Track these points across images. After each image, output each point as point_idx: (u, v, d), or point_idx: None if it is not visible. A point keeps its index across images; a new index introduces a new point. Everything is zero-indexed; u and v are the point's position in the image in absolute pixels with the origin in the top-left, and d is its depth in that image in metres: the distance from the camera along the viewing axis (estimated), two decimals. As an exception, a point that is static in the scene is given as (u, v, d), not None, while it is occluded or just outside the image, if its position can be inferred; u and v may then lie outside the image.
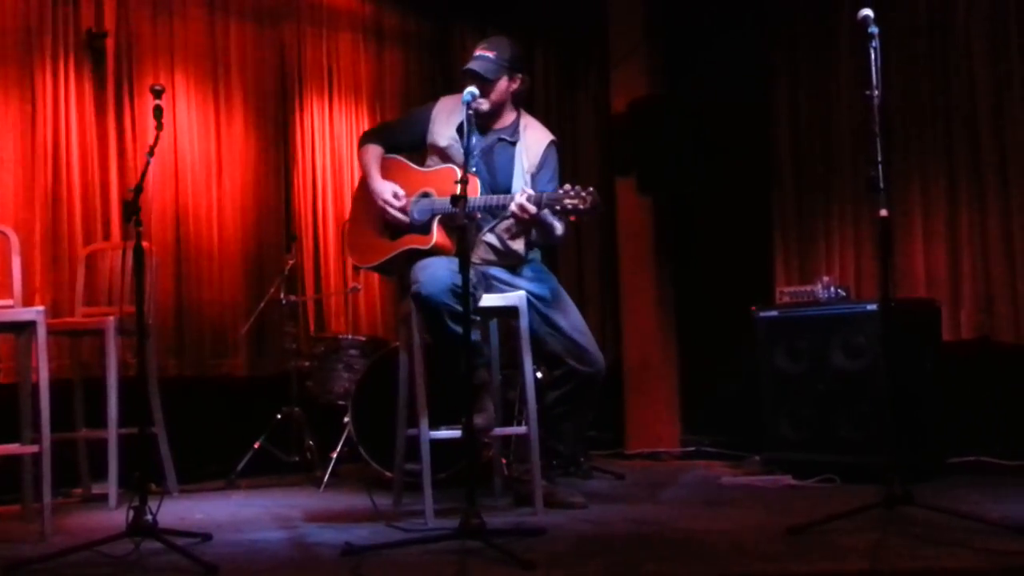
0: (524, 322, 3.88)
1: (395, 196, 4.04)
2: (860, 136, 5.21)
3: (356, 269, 5.43)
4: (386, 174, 4.16)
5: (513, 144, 4.12)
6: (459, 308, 3.63)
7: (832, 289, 4.80)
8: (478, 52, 4.11)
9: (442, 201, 3.92)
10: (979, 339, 4.84)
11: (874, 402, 4.38)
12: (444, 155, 4.09)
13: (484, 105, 4.02)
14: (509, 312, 3.93)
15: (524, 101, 4.25)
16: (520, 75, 4.15)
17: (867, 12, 3.34)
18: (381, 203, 4.05)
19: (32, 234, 4.89)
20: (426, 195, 4.04)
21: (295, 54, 5.90)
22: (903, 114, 5.10)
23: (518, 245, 4.06)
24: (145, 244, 3.40)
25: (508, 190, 3.99)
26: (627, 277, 6.30)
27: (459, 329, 3.65)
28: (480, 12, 6.46)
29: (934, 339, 4.71)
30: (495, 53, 4.08)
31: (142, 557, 3.13)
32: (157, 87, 3.56)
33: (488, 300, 3.88)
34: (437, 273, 3.74)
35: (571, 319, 4.06)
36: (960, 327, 4.88)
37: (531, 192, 3.80)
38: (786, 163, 5.65)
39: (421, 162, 4.21)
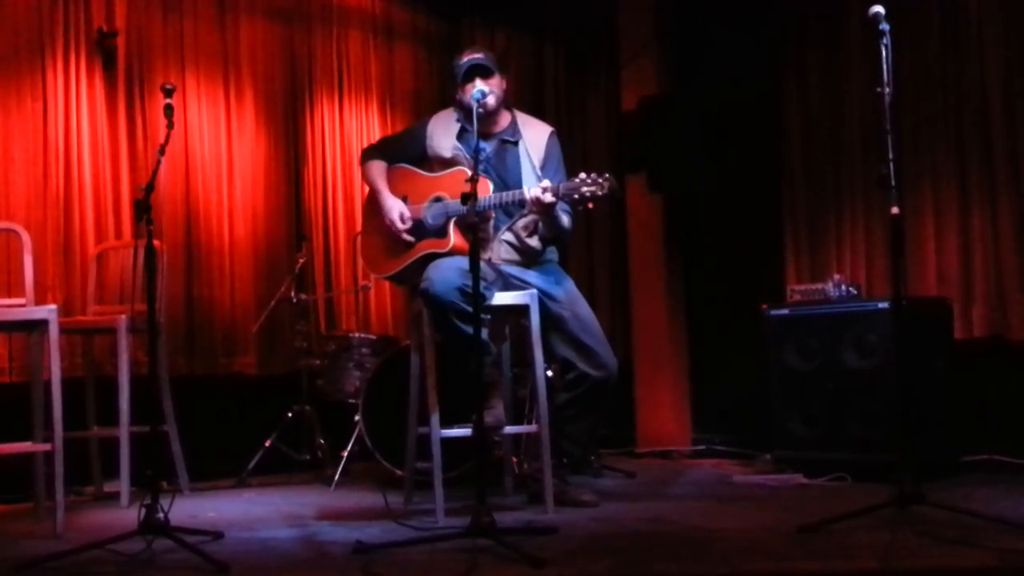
0: (535, 320, 3.88)
1: (401, 219, 4.07)
2: (871, 133, 5.19)
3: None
4: (396, 182, 4.20)
5: (516, 143, 4.15)
6: (467, 307, 3.65)
7: (843, 287, 4.78)
8: (468, 56, 4.15)
9: (455, 204, 3.93)
10: (991, 337, 4.82)
11: (886, 400, 4.37)
12: (450, 165, 4.12)
13: (491, 99, 4.03)
14: (519, 310, 3.94)
15: (510, 105, 4.29)
16: (506, 78, 4.24)
17: (878, 9, 3.34)
18: (388, 223, 4.08)
19: (43, 233, 4.91)
20: (438, 199, 4.05)
21: (305, 52, 5.90)
22: (914, 111, 5.08)
23: (535, 242, 4.08)
24: (156, 243, 3.41)
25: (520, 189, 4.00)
26: (637, 275, 6.30)
27: (466, 327, 3.67)
28: (490, 10, 6.47)
29: (946, 337, 4.69)
30: (483, 54, 4.17)
31: (154, 555, 3.14)
32: (168, 86, 3.56)
33: (498, 298, 3.88)
34: (447, 272, 3.75)
35: (583, 322, 4.06)
36: (972, 325, 4.86)
37: (548, 183, 3.82)
38: (797, 161, 5.63)
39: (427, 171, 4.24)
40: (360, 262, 5.70)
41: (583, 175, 3.75)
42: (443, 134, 4.18)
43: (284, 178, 5.78)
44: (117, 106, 5.23)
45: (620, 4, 6.37)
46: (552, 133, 4.23)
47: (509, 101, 4.27)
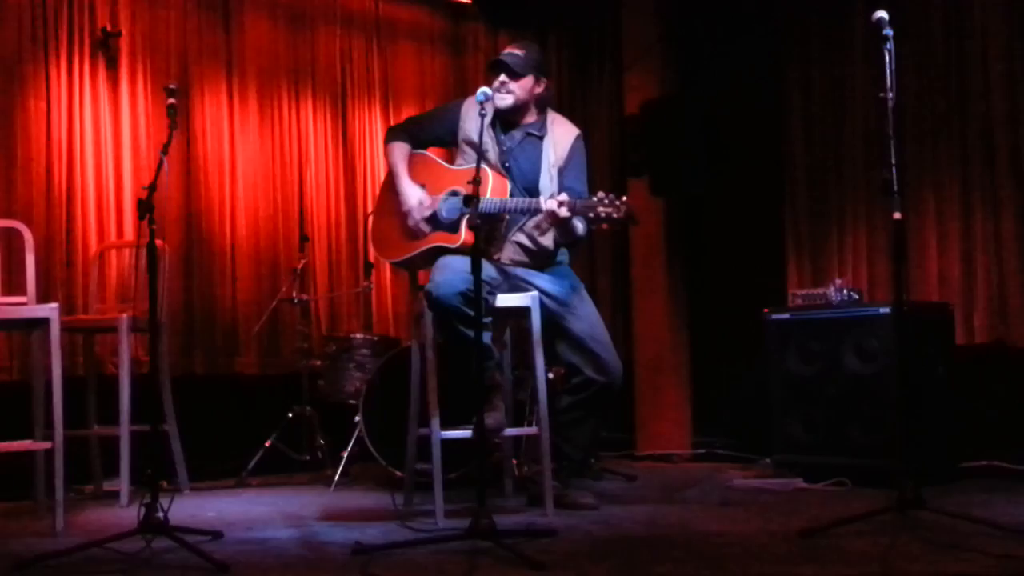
0: (536, 322, 3.88)
1: (420, 205, 4.04)
2: (873, 138, 5.20)
3: (367, 268, 5.44)
4: (416, 170, 4.15)
5: (541, 139, 4.12)
6: (470, 312, 3.63)
7: (845, 292, 4.78)
8: (508, 49, 4.14)
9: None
10: (993, 343, 4.82)
11: (886, 406, 4.37)
12: (478, 149, 4.08)
13: (508, 99, 4.02)
14: (521, 312, 3.93)
15: (545, 104, 4.24)
16: (546, 80, 4.18)
17: (882, 14, 3.33)
18: (406, 210, 4.05)
19: (46, 231, 4.91)
20: (455, 193, 4.02)
21: (308, 52, 5.91)
22: (917, 116, 5.08)
23: (547, 240, 4.05)
24: (158, 242, 3.40)
25: (536, 185, 3.99)
26: (639, 278, 6.29)
27: (469, 332, 3.66)
28: (494, 11, 6.47)
29: (947, 343, 4.69)
30: (524, 52, 4.11)
31: (153, 554, 3.13)
32: (171, 86, 3.56)
33: (500, 300, 3.87)
34: (452, 275, 3.73)
35: (588, 325, 4.03)
36: (974, 331, 4.86)
37: (565, 197, 3.77)
38: (799, 165, 5.64)
39: (449, 159, 4.21)
40: (359, 263, 5.71)
41: (601, 194, 3.68)
42: (475, 118, 4.12)
43: (286, 178, 5.78)
44: (120, 106, 5.23)
45: (623, 7, 6.37)
46: (578, 136, 4.16)
47: (546, 102, 4.19)
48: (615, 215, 3.66)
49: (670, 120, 5.98)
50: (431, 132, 4.25)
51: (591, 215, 3.70)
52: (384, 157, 4.37)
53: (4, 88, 4.91)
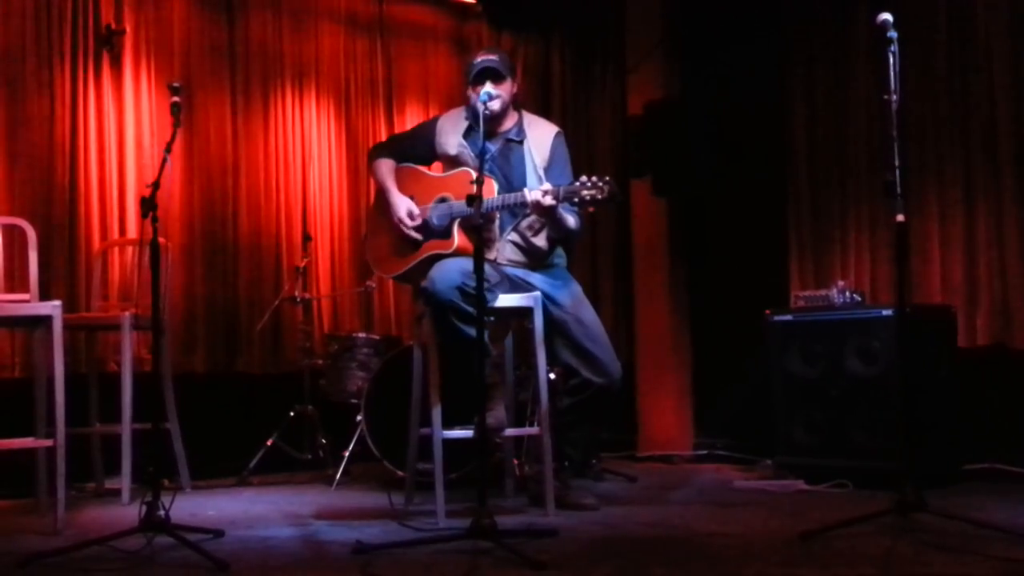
0: (538, 323, 3.88)
1: (410, 215, 4.06)
2: (877, 140, 5.19)
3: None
4: (402, 182, 4.20)
5: (521, 143, 4.15)
6: (466, 307, 3.65)
7: (847, 294, 4.78)
8: (483, 56, 4.16)
9: (460, 204, 3.92)
10: (995, 345, 4.81)
11: (888, 408, 4.36)
12: (456, 163, 4.12)
13: (497, 103, 4.03)
14: (522, 312, 3.93)
15: (519, 105, 4.29)
16: (517, 81, 4.25)
17: (886, 16, 3.33)
18: (396, 220, 4.08)
19: (49, 228, 4.92)
20: (443, 200, 4.05)
21: (312, 51, 5.91)
22: (920, 118, 5.07)
23: (540, 241, 4.07)
24: (161, 240, 3.41)
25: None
26: (641, 279, 6.30)
27: (465, 327, 3.67)
28: (498, 11, 6.47)
29: (950, 345, 4.68)
30: (499, 56, 4.17)
31: (154, 552, 3.14)
32: (175, 84, 3.57)
33: (501, 300, 3.87)
34: (449, 272, 3.74)
35: (588, 328, 4.04)
36: (976, 333, 4.85)
37: (549, 186, 3.81)
38: (802, 167, 5.63)
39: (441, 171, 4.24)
40: (362, 263, 5.71)
41: (584, 178, 3.73)
42: (451, 131, 4.18)
43: (289, 177, 5.78)
44: (123, 103, 5.23)
45: (627, 8, 6.38)
46: (558, 134, 4.21)
47: (519, 102, 4.27)
48: (599, 196, 3.70)
49: (673, 121, 5.98)
50: (412, 149, 4.30)
51: (575, 199, 3.74)
52: (371, 175, 4.41)
53: (8, 85, 4.91)
